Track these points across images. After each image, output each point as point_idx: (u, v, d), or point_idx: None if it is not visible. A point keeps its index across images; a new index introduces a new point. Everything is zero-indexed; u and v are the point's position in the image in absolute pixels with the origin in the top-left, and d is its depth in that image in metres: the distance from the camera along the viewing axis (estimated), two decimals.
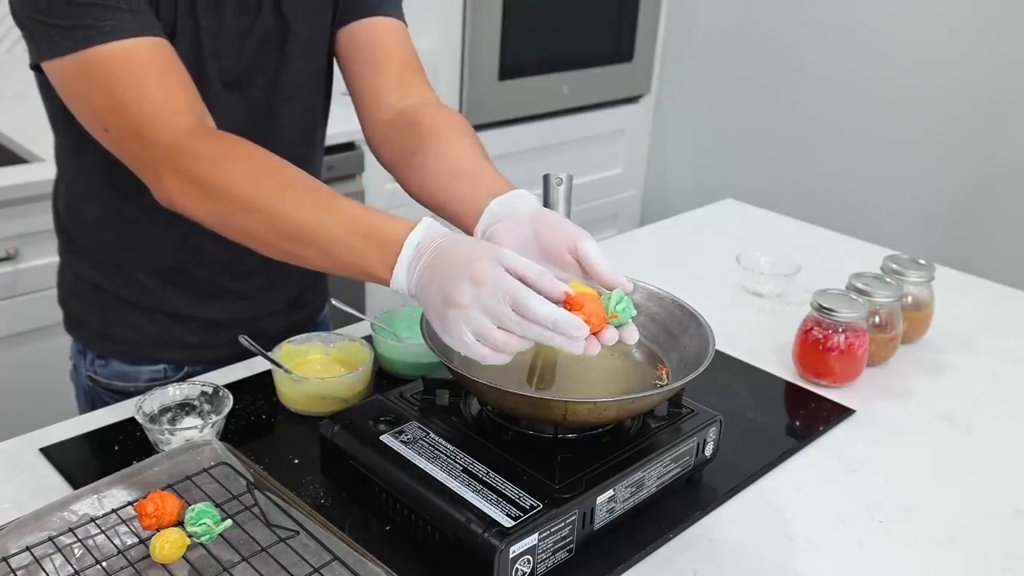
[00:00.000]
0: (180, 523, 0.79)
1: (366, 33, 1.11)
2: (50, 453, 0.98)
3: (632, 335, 0.80)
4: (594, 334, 0.76)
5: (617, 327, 0.78)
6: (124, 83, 0.90)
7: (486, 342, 0.74)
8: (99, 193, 1.10)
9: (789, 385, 1.23)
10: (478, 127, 2.60)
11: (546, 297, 0.75)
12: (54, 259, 1.22)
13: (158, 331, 1.17)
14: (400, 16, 1.14)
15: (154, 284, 1.14)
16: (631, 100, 3.09)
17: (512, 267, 0.75)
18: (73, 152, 1.09)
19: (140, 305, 1.15)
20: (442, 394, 0.96)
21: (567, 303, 0.75)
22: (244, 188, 0.87)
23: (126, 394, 1.17)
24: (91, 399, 1.21)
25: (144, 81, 0.91)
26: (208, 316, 1.18)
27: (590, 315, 0.75)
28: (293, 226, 0.85)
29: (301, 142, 1.17)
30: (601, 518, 0.85)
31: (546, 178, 1.03)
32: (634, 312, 0.79)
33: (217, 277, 1.16)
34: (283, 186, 0.87)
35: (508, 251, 0.76)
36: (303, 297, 1.28)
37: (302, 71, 1.11)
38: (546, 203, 1.03)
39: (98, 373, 1.19)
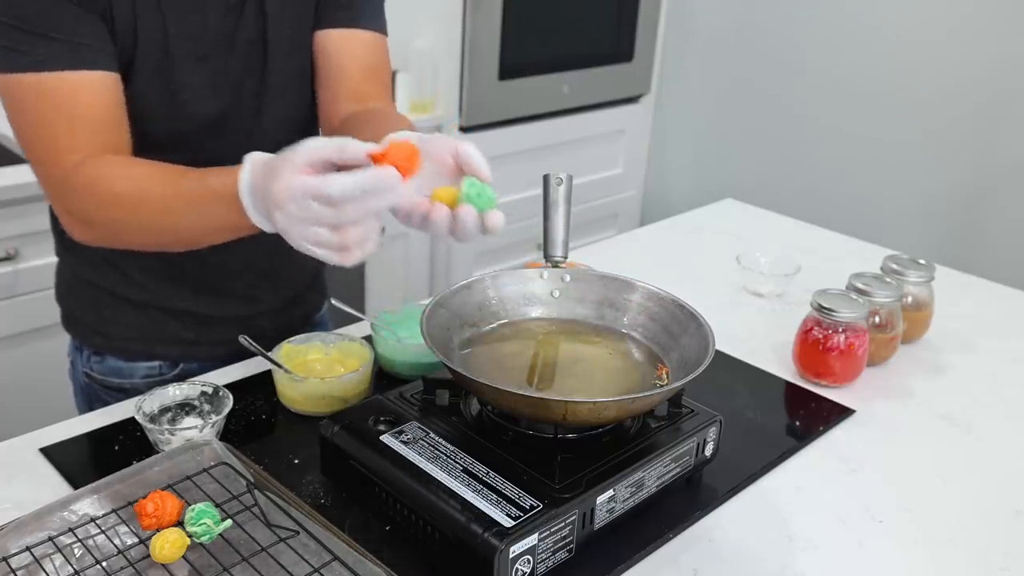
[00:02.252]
0: (180, 523, 0.79)
1: (336, 42, 1.11)
2: (50, 453, 0.98)
3: (496, 222, 0.82)
4: (409, 175, 0.78)
5: (481, 211, 0.81)
6: (37, 114, 0.93)
7: (332, 245, 0.77)
8: None
9: (789, 385, 1.23)
10: (478, 127, 2.63)
11: (354, 163, 0.77)
12: (54, 259, 1.22)
13: (153, 327, 1.17)
14: (377, 28, 1.14)
15: (147, 280, 1.15)
16: (631, 100, 3.09)
17: (311, 159, 0.77)
18: None
19: (135, 301, 1.16)
20: (442, 394, 0.96)
21: (374, 160, 0.77)
22: (111, 214, 0.93)
23: (122, 391, 1.18)
24: (88, 396, 1.22)
25: (54, 116, 0.93)
26: (203, 312, 1.18)
27: (395, 160, 0.77)
28: (161, 228, 0.92)
29: (289, 140, 1.16)
30: (601, 518, 0.85)
31: (546, 178, 1.03)
32: (495, 202, 0.82)
33: (210, 274, 1.16)
34: (138, 199, 0.92)
35: (302, 148, 0.78)
36: (301, 295, 1.28)
37: (289, 69, 1.11)
38: (546, 203, 1.03)
39: (94, 370, 1.20)
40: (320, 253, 0.78)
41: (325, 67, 1.12)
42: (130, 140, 0.99)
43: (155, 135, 1.03)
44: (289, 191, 0.76)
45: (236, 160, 1.09)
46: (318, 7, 1.10)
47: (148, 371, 1.19)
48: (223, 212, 0.85)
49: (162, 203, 0.90)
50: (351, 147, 0.78)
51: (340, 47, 1.12)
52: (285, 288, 1.24)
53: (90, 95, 0.94)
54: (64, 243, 1.17)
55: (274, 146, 1.13)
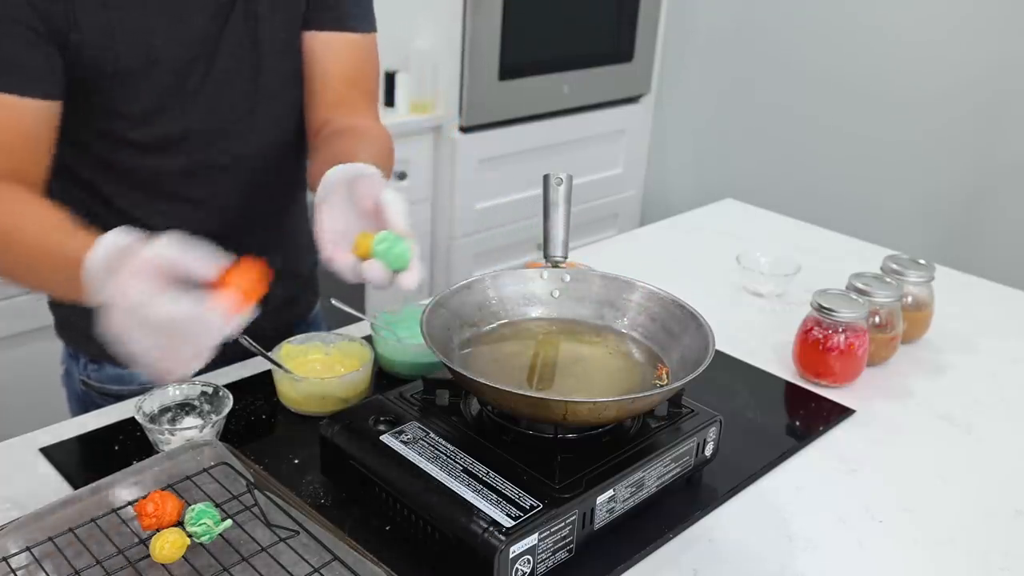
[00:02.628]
0: (180, 523, 0.79)
1: (322, 45, 1.10)
2: (50, 453, 0.98)
3: (407, 283, 0.80)
4: (252, 300, 0.76)
5: (396, 271, 0.79)
6: None
7: (150, 362, 0.73)
8: (71, 197, 1.07)
9: (789, 385, 1.23)
10: (478, 127, 2.63)
11: (199, 276, 0.75)
12: None
13: None
14: (365, 28, 1.13)
15: None
16: (631, 100, 3.09)
17: (153, 265, 0.73)
18: None
19: None
20: (442, 394, 0.96)
21: (216, 284, 0.75)
22: None
23: (120, 397, 1.16)
24: (84, 404, 1.20)
25: None
26: None
27: (237, 287, 0.75)
28: (25, 275, 0.91)
29: (284, 141, 1.15)
30: (601, 518, 0.85)
31: (546, 178, 1.03)
32: (406, 259, 0.79)
33: None
34: (8, 240, 0.88)
35: (148, 250, 0.74)
36: (296, 296, 1.28)
37: (283, 69, 1.10)
38: (546, 203, 1.03)
39: (91, 377, 1.18)
40: (139, 365, 0.75)
41: (310, 70, 1.11)
42: (46, 172, 0.97)
43: (145, 141, 1.03)
44: (119, 296, 0.73)
45: (233, 162, 1.09)
46: (307, 7, 1.09)
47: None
48: (66, 281, 0.80)
49: (27, 251, 0.87)
50: (195, 264, 0.74)
51: (325, 50, 1.10)
52: (280, 288, 1.23)
53: (12, 119, 0.93)
54: None
55: (271, 147, 1.13)
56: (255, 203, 1.15)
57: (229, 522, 0.80)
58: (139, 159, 1.04)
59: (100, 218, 1.08)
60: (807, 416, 1.16)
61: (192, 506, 0.79)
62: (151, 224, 1.05)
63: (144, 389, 1.15)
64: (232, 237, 1.10)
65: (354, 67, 1.13)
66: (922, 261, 1.34)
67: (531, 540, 0.78)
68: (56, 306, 1.20)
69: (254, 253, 1.11)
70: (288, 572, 0.77)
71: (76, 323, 1.18)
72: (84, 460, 0.99)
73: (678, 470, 0.93)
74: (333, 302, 1.24)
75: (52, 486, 0.93)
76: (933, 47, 2.55)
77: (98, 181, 1.06)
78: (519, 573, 0.79)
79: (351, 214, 0.86)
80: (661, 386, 0.93)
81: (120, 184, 1.07)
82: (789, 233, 1.79)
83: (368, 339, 1.15)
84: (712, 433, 0.96)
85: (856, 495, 1.01)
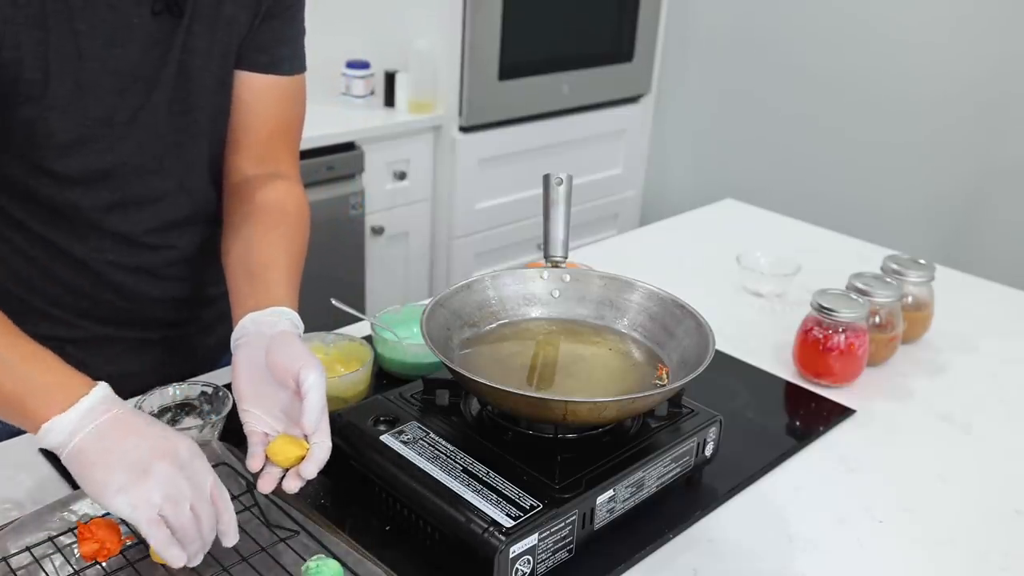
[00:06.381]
0: None
1: (252, 90, 1.07)
2: (50, 453, 0.98)
3: (288, 486, 0.81)
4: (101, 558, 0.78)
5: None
6: None
7: (174, 515, 0.72)
8: None
9: (789, 385, 1.23)
10: (478, 127, 2.63)
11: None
12: None
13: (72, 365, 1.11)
14: (296, 70, 1.09)
15: (63, 314, 1.07)
16: (631, 100, 3.09)
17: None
18: None
19: (52, 337, 1.04)
20: (442, 394, 0.96)
21: (82, 533, 0.77)
22: None
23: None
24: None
25: None
26: (133, 337, 1.12)
27: (102, 541, 0.77)
28: None
29: (206, 176, 1.10)
30: (601, 518, 0.85)
31: (546, 178, 1.03)
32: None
33: (131, 306, 1.10)
34: None
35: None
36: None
37: (214, 106, 1.05)
38: (546, 203, 1.03)
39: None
40: (152, 512, 0.71)
41: (236, 114, 1.07)
42: None
43: (67, 173, 0.98)
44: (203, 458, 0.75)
45: (154, 196, 1.04)
46: (240, 45, 1.04)
47: None
48: (17, 419, 0.77)
49: None
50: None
51: (256, 95, 1.07)
52: (222, 306, 1.19)
53: None
54: None
55: (195, 182, 1.07)
56: (172, 235, 1.10)
57: None
58: (58, 191, 0.99)
59: (13, 244, 1.03)
60: (807, 416, 1.16)
61: None
62: (69, 251, 1.02)
63: None
64: (148, 268, 1.08)
65: (281, 114, 1.09)
66: (922, 261, 1.34)
67: (531, 540, 0.78)
68: None
69: (176, 280, 1.09)
70: (288, 572, 0.77)
71: None
72: None
73: (678, 470, 0.93)
74: (333, 302, 1.24)
75: (52, 486, 0.93)
76: (933, 48, 2.56)
77: (11, 207, 1.01)
78: (519, 573, 0.79)
79: (262, 378, 0.85)
80: (661, 386, 0.93)
81: (38, 211, 1.01)
82: (789, 233, 1.79)
83: (368, 339, 1.15)
84: (712, 433, 0.96)
85: (856, 495, 1.01)
